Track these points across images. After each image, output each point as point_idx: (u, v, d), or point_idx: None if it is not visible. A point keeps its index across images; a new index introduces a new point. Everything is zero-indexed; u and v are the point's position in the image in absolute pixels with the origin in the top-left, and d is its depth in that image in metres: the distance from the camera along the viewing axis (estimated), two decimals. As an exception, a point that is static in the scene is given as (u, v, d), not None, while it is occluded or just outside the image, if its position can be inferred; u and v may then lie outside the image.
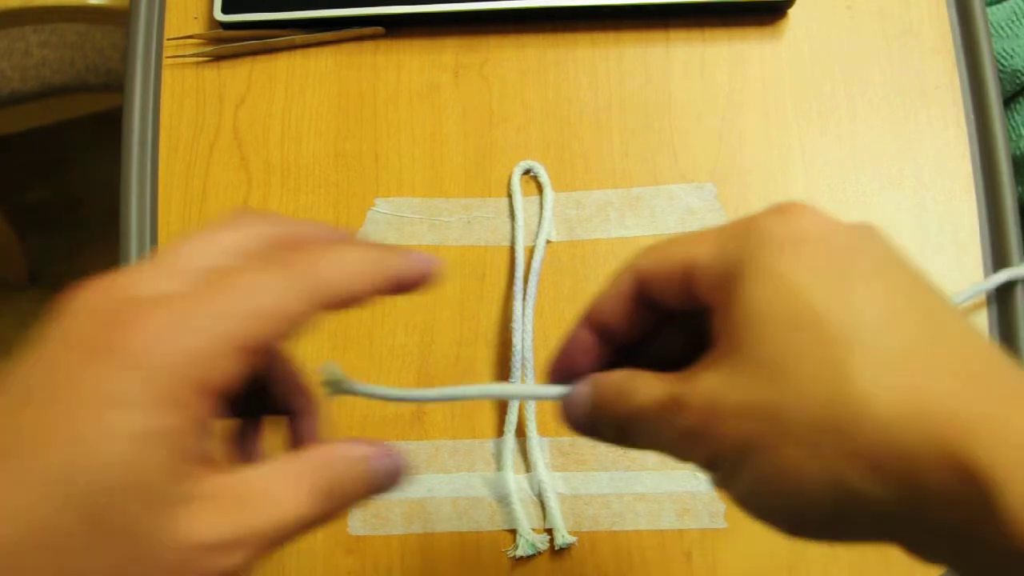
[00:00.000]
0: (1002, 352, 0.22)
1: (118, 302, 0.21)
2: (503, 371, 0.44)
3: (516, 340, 0.44)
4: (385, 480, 0.24)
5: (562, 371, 0.28)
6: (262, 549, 0.21)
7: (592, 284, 0.46)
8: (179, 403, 0.20)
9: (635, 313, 0.27)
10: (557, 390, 0.28)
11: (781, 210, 0.24)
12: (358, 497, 0.24)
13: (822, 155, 0.48)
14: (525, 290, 0.45)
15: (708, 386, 0.23)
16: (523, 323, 0.44)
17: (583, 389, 0.27)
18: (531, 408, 0.43)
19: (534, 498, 0.43)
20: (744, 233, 0.24)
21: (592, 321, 0.28)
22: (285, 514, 0.21)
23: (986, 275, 0.46)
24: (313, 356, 0.45)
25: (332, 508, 0.23)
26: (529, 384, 0.43)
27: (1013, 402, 0.20)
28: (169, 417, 0.20)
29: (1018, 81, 0.60)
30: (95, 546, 0.19)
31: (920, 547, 0.22)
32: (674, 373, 0.24)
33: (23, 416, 0.19)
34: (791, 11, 0.50)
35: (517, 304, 0.44)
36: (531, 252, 0.46)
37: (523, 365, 0.44)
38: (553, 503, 0.42)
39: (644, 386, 0.25)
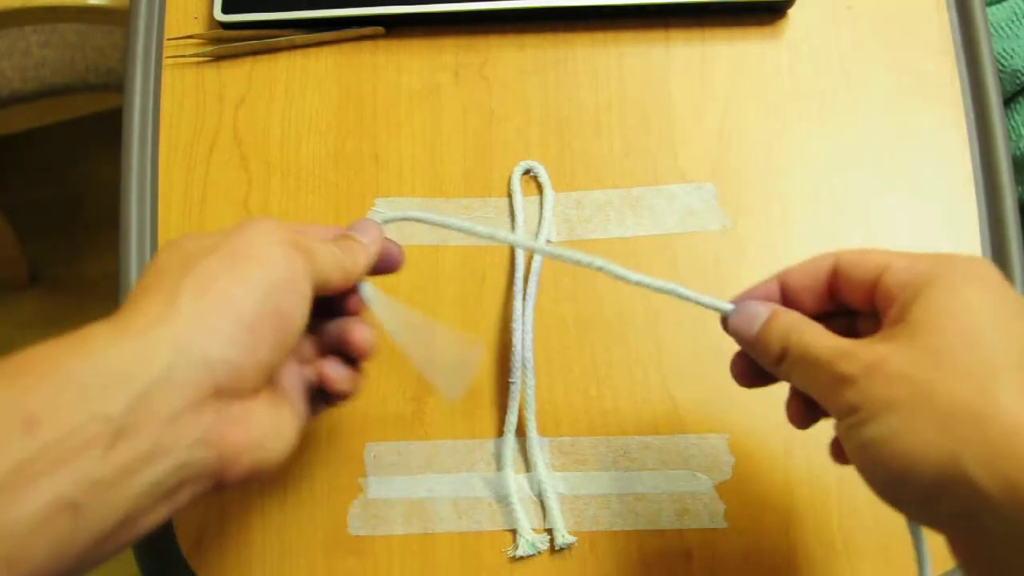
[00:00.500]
0: None
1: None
2: (503, 371, 0.44)
3: (516, 340, 0.44)
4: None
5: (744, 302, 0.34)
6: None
7: (592, 284, 0.46)
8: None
9: (819, 292, 0.33)
10: (728, 305, 0.34)
11: (973, 257, 0.30)
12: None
13: (822, 155, 0.48)
14: (525, 290, 0.45)
15: (879, 349, 0.28)
16: (523, 323, 0.44)
17: (761, 308, 0.33)
18: (531, 408, 0.43)
19: (534, 498, 0.43)
20: (939, 259, 0.29)
21: (783, 281, 0.33)
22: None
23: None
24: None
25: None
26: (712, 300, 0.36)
27: None
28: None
29: (1018, 81, 0.60)
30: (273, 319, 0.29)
31: (980, 537, 0.26)
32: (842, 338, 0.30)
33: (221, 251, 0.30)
34: (791, 11, 0.50)
35: (517, 304, 0.44)
36: (531, 252, 0.46)
37: (523, 365, 0.44)
38: (553, 503, 0.42)
39: (818, 331, 0.30)
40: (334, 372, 0.35)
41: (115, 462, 0.25)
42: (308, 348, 0.36)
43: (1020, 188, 0.58)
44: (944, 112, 0.48)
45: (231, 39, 0.50)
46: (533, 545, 0.42)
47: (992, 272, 0.29)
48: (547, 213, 0.47)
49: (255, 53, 0.50)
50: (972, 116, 0.48)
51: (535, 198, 0.48)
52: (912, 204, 0.47)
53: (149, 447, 0.26)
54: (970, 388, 0.26)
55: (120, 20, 0.82)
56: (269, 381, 0.31)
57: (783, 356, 0.31)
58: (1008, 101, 0.61)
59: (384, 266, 0.38)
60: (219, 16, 0.49)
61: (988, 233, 0.46)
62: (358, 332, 0.36)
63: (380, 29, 0.50)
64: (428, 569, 0.43)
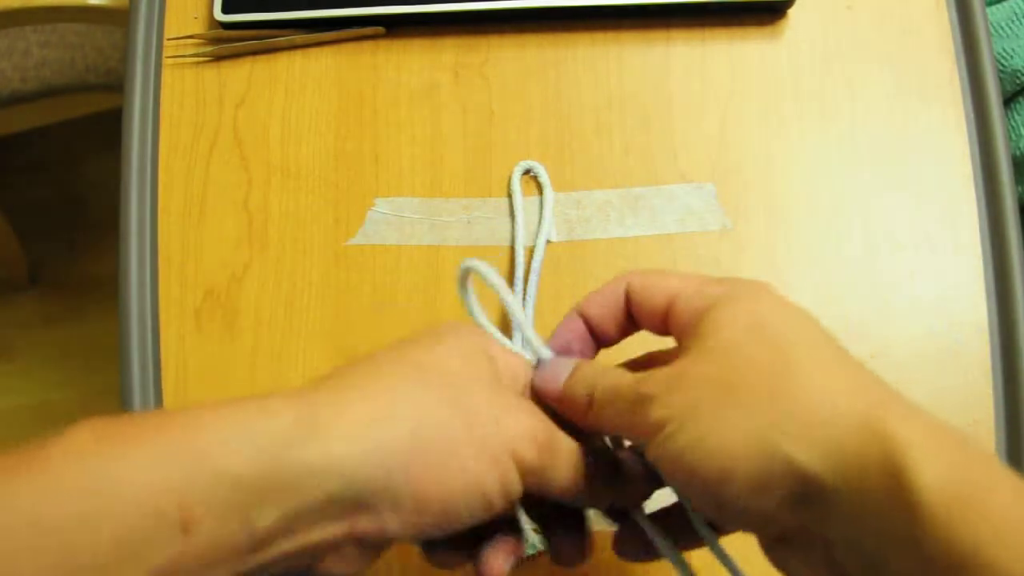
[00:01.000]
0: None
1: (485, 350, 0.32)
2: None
3: (516, 340, 0.44)
4: None
5: (556, 348, 0.34)
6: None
7: (592, 284, 0.46)
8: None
9: (619, 319, 0.33)
10: (546, 351, 0.34)
11: (756, 280, 0.30)
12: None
13: (822, 155, 0.48)
14: (525, 290, 0.45)
15: (676, 365, 0.28)
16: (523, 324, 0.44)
17: (565, 363, 0.32)
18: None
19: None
20: (724, 282, 0.30)
21: (583, 314, 0.34)
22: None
23: (986, 275, 0.46)
24: (317, 362, 0.45)
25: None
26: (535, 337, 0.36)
27: (915, 407, 0.25)
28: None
29: (1018, 81, 0.60)
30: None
31: (816, 520, 0.25)
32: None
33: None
34: (791, 11, 0.50)
35: (517, 304, 0.44)
36: (531, 252, 0.46)
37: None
38: (553, 503, 0.42)
39: (620, 372, 0.30)
40: (490, 570, 0.31)
41: (251, 564, 0.24)
42: None
43: (1020, 188, 0.58)
44: (944, 112, 0.48)
45: (231, 39, 0.50)
46: (533, 545, 0.42)
47: (772, 290, 0.29)
48: (547, 213, 0.47)
49: (255, 53, 0.50)
50: (972, 116, 0.48)
51: (535, 198, 0.48)
52: (912, 204, 0.47)
53: (278, 556, 0.25)
54: (767, 372, 0.26)
55: (120, 20, 0.82)
56: None
57: (590, 402, 0.30)
58: (1008, 101, 0.61)
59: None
60: (219, 16, 0.49)
61: (988, 233, 0.46)
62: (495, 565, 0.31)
63: (380, 29, 0.50)
64: (428, 569, 0.43)
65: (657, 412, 0.27)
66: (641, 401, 0.28)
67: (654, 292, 0.31)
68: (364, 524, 0.26)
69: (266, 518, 0.24)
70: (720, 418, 0.26)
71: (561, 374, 0.32)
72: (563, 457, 0.30)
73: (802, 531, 0.26)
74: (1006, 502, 0.22)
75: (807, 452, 0.24)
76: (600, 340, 0.34)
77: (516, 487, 0.28)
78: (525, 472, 0.28)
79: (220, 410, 0.25)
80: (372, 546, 0.27)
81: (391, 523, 0.26)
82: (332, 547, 0.26)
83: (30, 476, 0.21)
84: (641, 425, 0.28)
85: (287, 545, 0.25)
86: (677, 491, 0.31)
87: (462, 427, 0.27)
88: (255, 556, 0.24)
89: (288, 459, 0.24)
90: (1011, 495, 0.22)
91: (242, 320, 0.46)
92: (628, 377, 0.29)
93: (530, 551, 0.42)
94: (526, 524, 0.42)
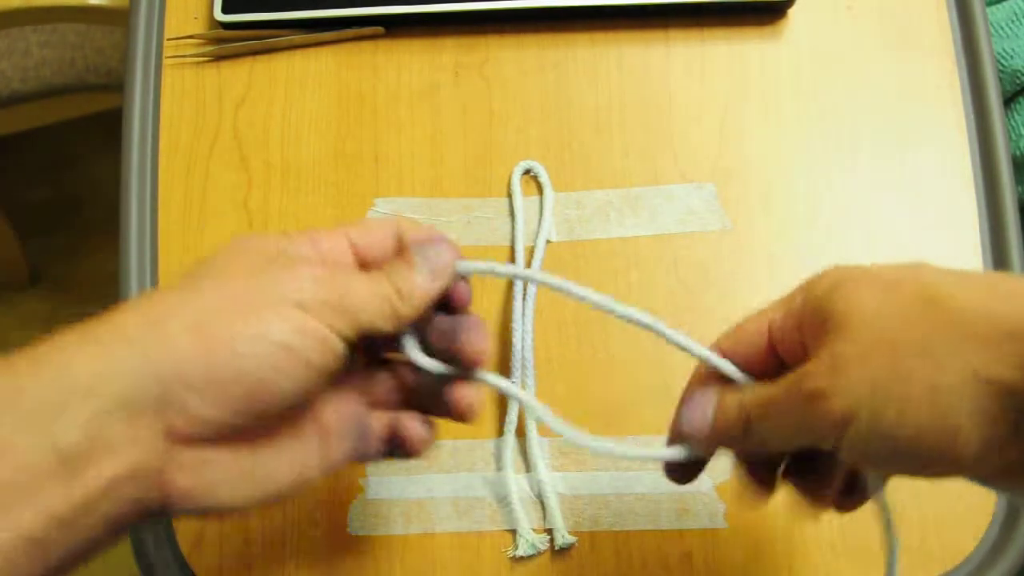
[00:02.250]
0: None
1: (278, 251, 0.30)
2: (503, 371, 0.44)
3: (516, 340, 0.44)
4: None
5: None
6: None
7: (592, 284, 0.46)
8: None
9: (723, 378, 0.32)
10: (673, 451, 0.32)
11: (836, 266, 0.29)
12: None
13: (822, 155, 0.48)
14: (525, 290, 0.45)
15: (823, 357, 0.26)
16: (523, 323, 0.44)
17: (706, 398, 0.31)
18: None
19: (534, 498, 0.43)
20: (805, 285, 0.29)
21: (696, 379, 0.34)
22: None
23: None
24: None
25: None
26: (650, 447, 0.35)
27: None
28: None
29: (1018, 81, 0.60)
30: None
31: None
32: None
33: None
34: (791, 11, 0.50)
35: (517, 304, 0.44)
36: (531, 252, 0.46)
37: (523, 365, 0.44)
38: (553, 503, 0.42)
39: (758, 386, 0.29)
40: (410, 431, 0.32)
41: (74, 498, 0.25)
42: (386, 389, 0.34)
43: (1020, 188, 0.58)
44: (944, 112, 0.48)
45: (231, 39, 0.50)
46: (533, 545, 0.42)
47: (853, 267, 0.29)
48: (547, 213, 0.47)
49: (255, 53, 0.50)
50: (972, 116, 0.48)
51: (535, 198, 0.48)
52: (912, 204, 0.47)
53: (104, 484, 0.25)
54: (918, 318, 0.25)
55: (120, 20, 0.82)
56: (258, 428, 0.29)
57: (748, 425, 0.29)
58: (1008, 101, 0.61)
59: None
60: (219, 16, 0.49)
61: (988, 233, 0.46)
62: (462, 395, 0.32)
63: (380, 29, 0.50)
64: (428, 569, 0.43)
65: (838, 403, 0.26)
66: (812, 399, 0.26)
67: (745, 340, 0.31)
68: (175, 419, 0.26)
69: (68, 431, 0.25)
70: (909, 381, 0.25)
71: (707, 406, 0.31)
72: (355, 297, 0.29)
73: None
74: None
75: (1009, 369, 0.23)
76: None
77: (321, 331, 0.28)
78: (324, 315, 0.28)
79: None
80: (199, 443, 0.27)
81: (202, 408, 0.26)
82: (158, 459, 0.26)
83: None
84: (823, 425, 0.26)
85: (107, 467, 0.25)
86: (881, 471, 0.29)
87: (230, 300, 0.27)
88: (73, 486, 0.25)
89: (74, 368, 0.25)
90: None
91: (242, 320, 0.46)
92: (773, 386, 0.28)
93: (530, 551, 0.42)
94: (526, 524, 0.42)
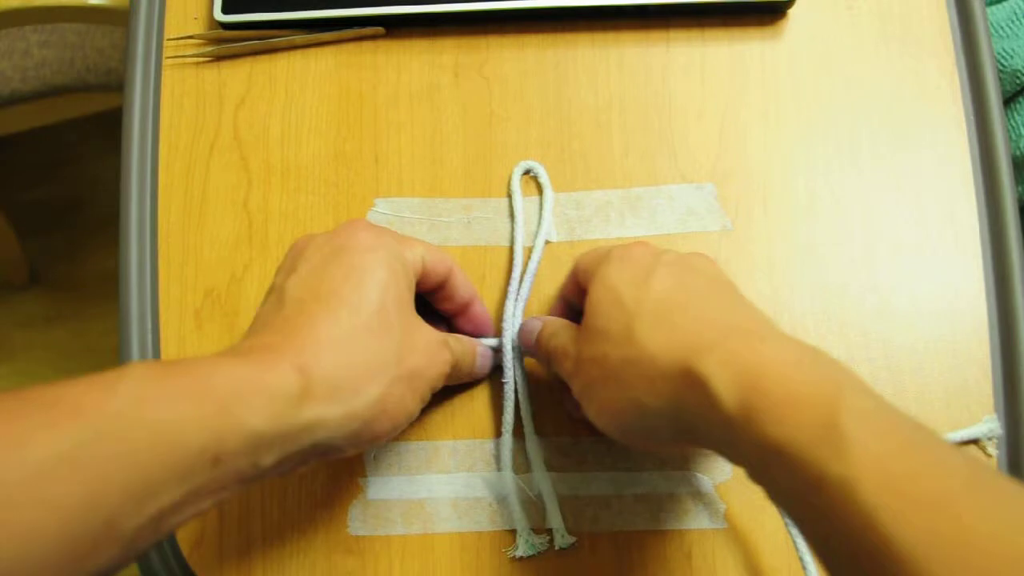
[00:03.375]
0: (759, 314, 0.35)
1: (408, 284, 0.38)
2: (498, 370, 0.44)
3: (505, 340, 0.43)
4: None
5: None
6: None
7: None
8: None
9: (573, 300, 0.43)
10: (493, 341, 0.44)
11: (625, 244, 0.39)
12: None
13: (822, 155, 0.48)
14: (519, 290, 0.45)
15: (575, 345, 0.38)
16: (512, 323, 0.44)
17: (535, 323, 0.42)
18: (527, 408, 0.43)
19: (534, 498, 0.43)
20: (602, 256, 0.39)
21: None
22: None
23: (985, 275, 0.46)
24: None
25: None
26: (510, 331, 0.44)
27: (726, 334, 0.32)
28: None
29: (1018, 81, 0.60)
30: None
31: (694, 440, 0.33)
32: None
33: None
34: (791, 11, 0.50)
35: (509, 304, 0.44)
36: (531, 252, 0.46)
37: (513, 364, 0.44)
38: (553, 504, 0.42)
39: (562, 331, 0.40)
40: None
41: (302, 417, 0.32)
42: None
43: (1020, 188, 0.58)
44: (944, 112, 0.48)
45: (231, 39, 0.50)
46: (533, 546, 0.42)
47: (646, 249, 0.38)
48: (547, 213, 0.47)
49: (255, 53, 0.50)
50: (972, 116, 0.48)
51: (535, 198, 0.48)
52: (912, 204, 0.47)
53: (328, 416, 0.32)
54: (622, 345, 0.34)
55: (120, 20, 0.82)
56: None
57: (549, 361, 0.40)
58: (1008, 101, 0.61)
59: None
60: (219, 16, 0.49)
61: (988, 233, 0.46)
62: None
63: (380, 29, 0.50)
64: (428, 569, 0.43)
65: (575, 384, 0.37)
66: (570, 375, 0.38)
67: (574, 276, 0.41)
68: (331, 453, 0.34)
69: (269, 459, 0.31)
70: (605, 389, 0.35)
71: (533, 331, 0.42)
72: (458, 350, 0.40)
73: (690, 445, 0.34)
74: (784, 394, 0.28)
75: (657, 400, 0.32)
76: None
77: (431, 390, 0.38)
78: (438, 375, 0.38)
79: (234, 367, 0.31)
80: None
81: (349, 451, 0.35)
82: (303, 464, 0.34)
83: (99, 410, 0.28)
84: (574, 391, 0.38)
85: (276, 472, 0.33)
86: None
87: (395, 362, 0.35)
88: (255, 480, 0.32)
89: (291, 418, 0.31)
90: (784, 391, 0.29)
91: (242, 320, 0.46)
92: (562, 345, 0.39)
93: (530, 551, 0.42)
94: (526, 524, 0.42)
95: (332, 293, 0.35)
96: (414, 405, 0.36)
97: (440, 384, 0.38)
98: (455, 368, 0.40)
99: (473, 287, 0.43)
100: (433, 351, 0.38)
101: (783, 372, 0.29)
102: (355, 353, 0.34)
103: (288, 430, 0.31)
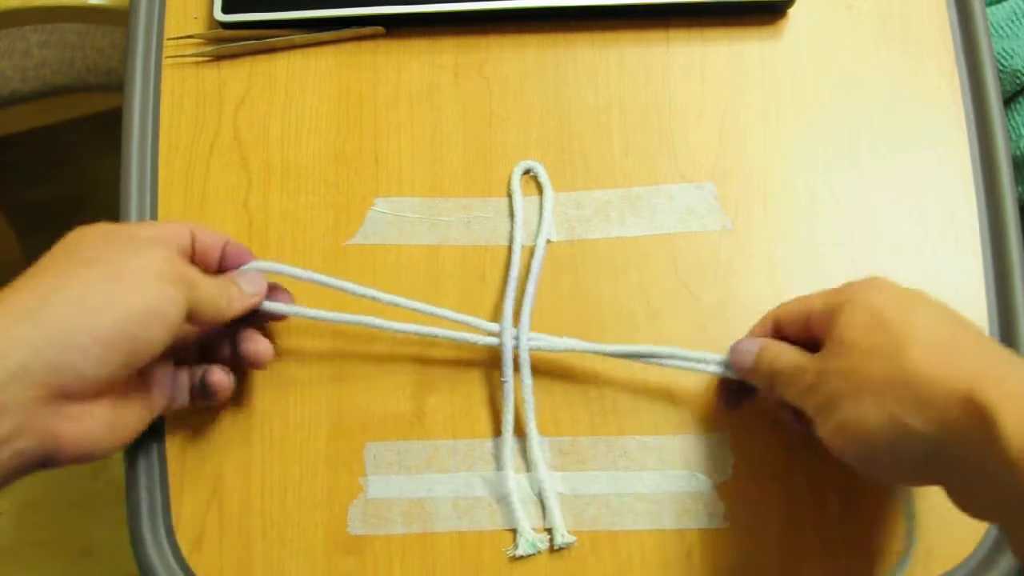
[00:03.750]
0: (1003, 346, 0.35)
1: (128, 236, 0.38)
2: (498, 372, 0.44)
3: (505, 339, 0.43)
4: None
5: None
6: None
7: (592, 283, 0.46)
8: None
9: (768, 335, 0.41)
10: (715, 360, 0.42)
11: (868, 276, 0.38)
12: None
13: (822, 155, 0.48)
14: (526, 290, 0.45)
15: (817, 362, 0.36)
16: (522, 321, 0.44)
17: (752, 345, 0.40)
18: (530, 408, 0.43)
19: (534, 498, 0.43)
20: (845, 287, 0.37)
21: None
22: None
23: (986, 275, 0.46)
24: (314, 354, 0.45)
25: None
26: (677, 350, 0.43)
27: (1010, 367, 0.31)
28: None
29: (1018, 81, 0.60)
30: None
31: (943, 477, 0.32)
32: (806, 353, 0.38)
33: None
34: (791, 11, 0.50)
35: (507, 303, 0.44)
36: (531, 252, 0.46)
37: (516, 365, 0.44)
38: (553, 503, 0.42)
39: (787, 355, 0.38)
40: (214, 376, 0.41)
41: None
42: (194, 352, 0.42)
43: (1020, 188, 0.58)
44: (944, 112, 0.48)
45: (231, 39, 0.50)
46: (533, 545, 0.42)
47: (883, 282, 0.37)
48: (547, 213, 0.47)
49: (255, 53, 0.50)
50: (972, 116, 0.48)
51: (535, 198, 0.48)
52: (912, 204, 0.47)
53: (5, 433, 0.31)
54: (887, 363, 0.33)
55: (120, 20, 0.82)
56: (118, 384, 0.35)
57: (771, 382, 0.39)
58: (1008, 101, 0.61)
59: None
60: (219, 16, 0.49)
61: (988, 233, 0.46)
62: (251, 345, 0.42)
63: (380, 29, 0.50)
64: (428, 569, 0.43)
65: (812, 401, 0.36)
66: (804, 390, 0.36)
67: (794, 314, 0.39)
68: (65, 378, 0.32)
69: None
70: (855, 404, 0.33)
71: (751, 353, 0.40)
72: (200, 283, 0.38)
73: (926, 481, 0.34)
74: None
75: (923, 423, 0.31)
76: None
77: (176, 297, 0.36)
78: (179, 287, 0.36)
79: None
80: (81, 398, 0.34)
81: (89, 367, 0.33)
82: (49, 414, 0.33)
83: None
84: (807, 404, 0.36)
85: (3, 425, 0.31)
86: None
87: (104, 275, 0.34)
88: None
89: None
90: None
91: (242, 320, 0.46)
92: (789, 361, 0.38)
93: (530, 551, 0.42)
94: (526, 524, 0.42)
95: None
96: (146, 297, 0.35)
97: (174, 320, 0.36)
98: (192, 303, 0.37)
99: (216, 233, 0.42)
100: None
101: None
102: (55, 277, 0.35)
103: None
